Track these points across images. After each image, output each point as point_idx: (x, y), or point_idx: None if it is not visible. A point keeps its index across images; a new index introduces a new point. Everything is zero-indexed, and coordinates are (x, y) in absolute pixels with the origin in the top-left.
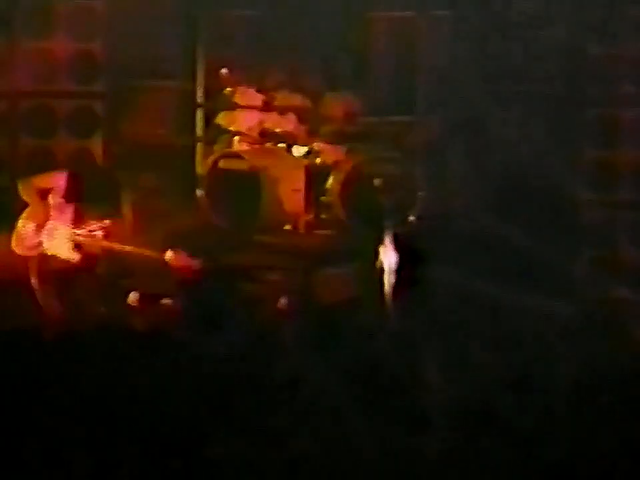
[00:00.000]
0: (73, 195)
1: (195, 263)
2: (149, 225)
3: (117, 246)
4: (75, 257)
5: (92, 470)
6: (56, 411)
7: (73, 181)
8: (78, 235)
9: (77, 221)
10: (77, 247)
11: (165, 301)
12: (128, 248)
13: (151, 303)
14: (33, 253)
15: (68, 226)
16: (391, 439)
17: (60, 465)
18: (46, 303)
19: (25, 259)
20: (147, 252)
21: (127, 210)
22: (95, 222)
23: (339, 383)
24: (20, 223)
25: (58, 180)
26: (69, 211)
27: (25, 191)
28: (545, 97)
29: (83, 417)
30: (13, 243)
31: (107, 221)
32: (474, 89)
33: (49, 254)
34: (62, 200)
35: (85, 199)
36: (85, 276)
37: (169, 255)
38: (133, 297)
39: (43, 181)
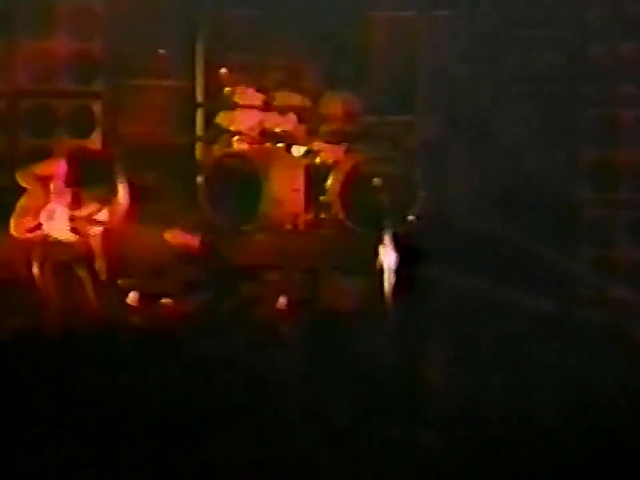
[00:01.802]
0: (72, 179)
1: (194, 240)
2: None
3: (116, 226)
4: (72, 238)
5: (92, 469)
6: (56, 410)
7: (71, 166)
8: (76, 217)
9: (76, 204)
10: (74, 229)
11: (165, 300)
12: (127, 227)
13: (151, 302)
14: (32, 235)
15: (66, 208)
16: (392, 439)
17: (60, 464)
18: (47, 293)
19: (26, 249)
20: (146, 230)
21: (122, 193)
22: (92, 204)
23: (339, 383)
24: (19, 206)
25: (58, 167)
26: (68, 195)
27: (24, 178)
28: (545, 96)
29: (82, 416)
30: (12, 226)
31: (105, 204)
32: (474, 89)
33: (48, 236)
34: (62, 184)
35: (82, 182)
36: (84, 265)
37: (167, 234)
38: (132, 296)
39: (42, 168)
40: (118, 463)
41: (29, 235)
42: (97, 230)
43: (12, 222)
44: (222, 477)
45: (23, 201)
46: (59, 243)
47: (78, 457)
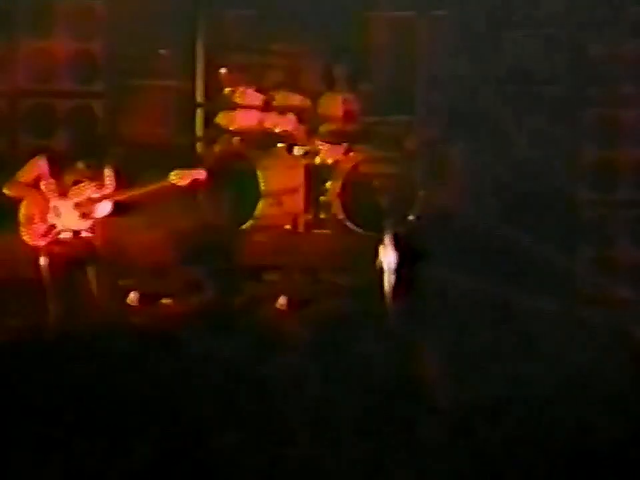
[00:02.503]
0: (57, 171)
1: (200, 174)
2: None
3: (119, 196)
4: (85, 224)
5: (92, 468)
6: (56, 410)
7: (53, 160)
8: (80, 202)
9: (72, 192)
10: (84, 214)
11: (165, 300)
12: (130, 192)
13: (151, 302)
14: (47, 239)
15: (67, 200)
16: (392, 438)
17: (60, 464)
18: (51, 290)
19: (33, 251)
20: (150, 187)
21: (108, 174)
22: (86, 185)
23: (339, 382)
24: (22, 216)
25: (40, 166)
26: (61, 186)
27: (13, 189)
28: (545, 96)
29: (82, 416)
30: (24, 236)
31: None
32: (474, 89)
33: (62, 233)
34: (52, 180)
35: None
36: (92, 261)
37: (173, 176)
38: (132, 296)
39: (27, 173)
40: (118, 463)
41: (45, 240)
42: (102, 207)
43: (22, 232)
44: (222, 476)
45: (23, 211)
46: (68, 240)
47: (78, 456)
